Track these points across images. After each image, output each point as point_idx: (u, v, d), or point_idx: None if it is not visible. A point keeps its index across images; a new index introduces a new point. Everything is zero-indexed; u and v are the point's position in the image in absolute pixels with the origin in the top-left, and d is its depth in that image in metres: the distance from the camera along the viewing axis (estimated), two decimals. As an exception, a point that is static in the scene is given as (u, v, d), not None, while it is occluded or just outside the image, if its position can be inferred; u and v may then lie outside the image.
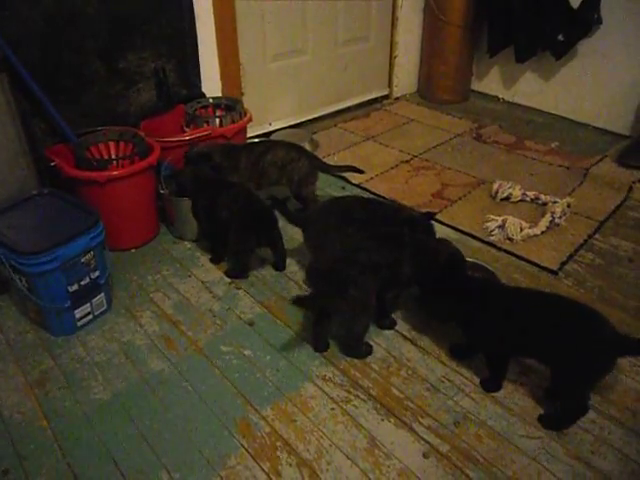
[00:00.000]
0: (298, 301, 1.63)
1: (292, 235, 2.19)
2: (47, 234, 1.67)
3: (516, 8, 3.11)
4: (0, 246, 1.63)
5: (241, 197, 1.98)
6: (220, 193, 1.99)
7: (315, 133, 3.14)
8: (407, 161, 2.85)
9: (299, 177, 2.22)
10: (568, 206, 2.34)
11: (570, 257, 2.11)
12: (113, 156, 2.20)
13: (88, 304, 1.78)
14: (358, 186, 2.59)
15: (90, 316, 1.80)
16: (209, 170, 2.12)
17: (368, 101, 3.58)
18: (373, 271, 1.59)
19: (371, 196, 2.48)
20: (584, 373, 1.40)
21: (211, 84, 2.68)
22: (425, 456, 1.38)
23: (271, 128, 3.06)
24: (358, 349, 1.68)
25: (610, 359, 1.40)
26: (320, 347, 1.69)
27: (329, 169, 2.28)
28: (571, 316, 1.43)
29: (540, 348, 1.47)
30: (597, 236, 2.24)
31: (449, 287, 1.58)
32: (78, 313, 1.76)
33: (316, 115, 3.31)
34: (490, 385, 1.56)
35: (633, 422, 1.47)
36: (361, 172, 2.34)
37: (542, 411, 1.49)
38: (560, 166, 2.79)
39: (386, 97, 3.68)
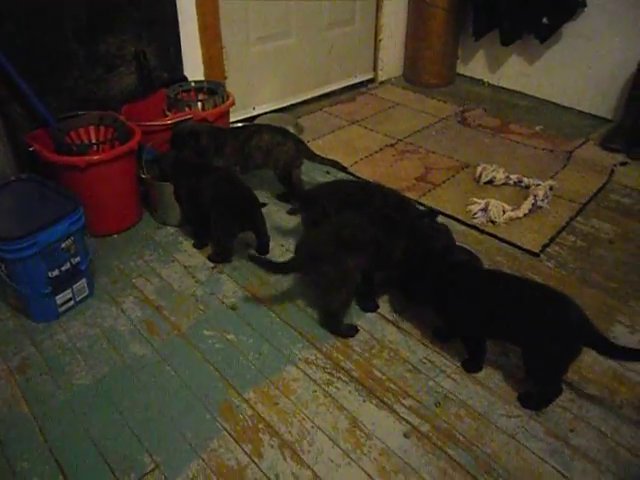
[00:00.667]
0: (255, 259, 1.73)
1: (275, 219, 2.19)
2: (26, 220, 1.65)
3: (501, -9, 3.10)
4: (-22, 232, 1.61)
5: (224, 181, 1.97)
6: (202, 177, 1.97)
7: (300, 117, 3.12)
8: (392, 145, 2.84)
9: (285, 161, 2.21)
10: (550, 189, 2.35)
11: (552, 239, 2.13)
12: (93, 141, 2.17)
13: (69, 290, 1.76)
14: (343, 170, 2.58)
15: (72, 302, 1.79)
16: (192, 154, 2.10)
17: (353, 85, 3.56)
18: (355, 249, 1.60)
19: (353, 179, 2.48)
20: (551, 357, 1.42)
21: (193, 68, 2.65)
22: (406, 436, 1.39)
23: (255, 112, 3.04)
24: (334, 325, 1.70)
25: (574, 346, 1.41)
26: None
27: (313, 157, 2.26)
28: (540, 300, 1.44)
29: (511, 331, 1.48)
30: (579, 218, 2.26)
31: (426, 270, 1.59)
32: (59, 299, 1.75)
33: (301, 99, 3.29)
34: (471, 366, 1.58)
35: (611, 400, 1.49)
36: (344, 169, 2.31)
37: (522, 391, 1.51)
38: (544, 149, 2.80)
39: (371, 81, 3.66)
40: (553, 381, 1.47)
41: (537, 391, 1.49)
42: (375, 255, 1.65)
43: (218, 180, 1.95)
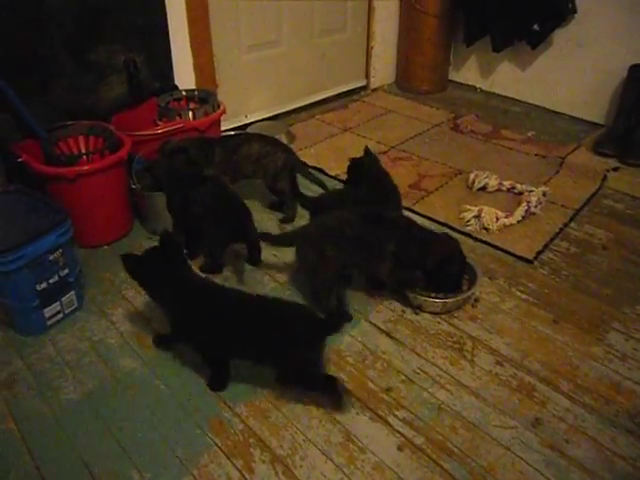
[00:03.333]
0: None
1: (267, 229, 2.17)
2: (13, 232, 1.62)
3: (491, -3, 3.11)
4: (-36, 245, 1.59)
5: (215, 191, 1.95)
6: (194, 187, 1.96)
7: (292, 125, 3.11)
8: (384, 152, 2.83)
9: (274, 171, 2.19)
10: (544, 195, 2.35)
11: (545, 246, 2.12)
12: (83, 151, 2.15)
13: (58, 303, 1.74)
14: (335, 178, 2.57)
15: (60, 315, 1.76)
16: (185, 163, 2.08)
17: (345, 92, 3.56)
18: (337, 241, 1.68)
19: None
20: (308, 362, 1.43)
21: (184, 76, 2.63)
22: (400, 449, 1.37)
23: (247, 121, 3.02)
24: (320, 307, 1.72)
25: (312, 342, 1.42)
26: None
27: (303, 169, 2.24)
28: (267, 314, 1.44)
29: (252, 349, 1.47)
30: (572, 225, 2.25)
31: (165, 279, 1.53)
32: (47, 312, 1.72)
33: (293, 107, 3.27)
34: (214, 384, 1.53)
35: (607, 410, 1.47)
36: (325, 188, 2.28)
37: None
38: (536, 155, 2.80)
39: (364, 88, 3.66)
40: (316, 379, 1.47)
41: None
42: (361, 251, 1.70)
43: (210, 190, 1.93)
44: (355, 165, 2.08)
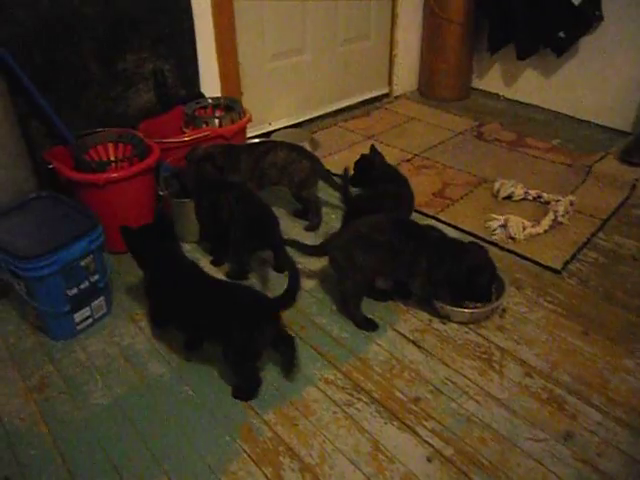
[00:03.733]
0: (290, 243, 1.92)
1: (292, 236, 2.17)
2: (45, 238, 1.65)
3: (516, 5, 3.09)
4: (-2, 250, 1.62)
5: (243, 199, 1.96)
6: (222, 194, 1.97)
7: (315, 132, 3.12)
8: (408, 160, 2.83)
9: (300, 179, 2.20)
10: (571, 204, 2.32)
11: (573, 256, 2.09)
12: (112, 158, 2.18)
13: (88, 308, 1.76)
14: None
15: (90, 320, 1.79)
16: (213, 170, 2.10)
17: (368, 100, 3.56)
18: (367, 247, 1.69)
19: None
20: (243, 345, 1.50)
21: (210, 84, 2.66)
22: (429, 460, 1.36)
23: (271, 128, 3.04)
24: (348, 312, 1.80)
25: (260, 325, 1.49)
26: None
27: (328, 178, 2.24)
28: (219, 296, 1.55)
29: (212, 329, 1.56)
30: (600, 234, 2.23)
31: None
32: (77, 317, 1.74)
33: (316, 114, 3.29)
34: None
35: (639, 423, 1.45)
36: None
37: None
38: (562, 164, 2.77)
39: (386, 95, 3.66)
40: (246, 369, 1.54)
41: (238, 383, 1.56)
42: (391, 259, 1.70)
43: (237, 197, 1.94)
44: (364, 160, 2.14)
